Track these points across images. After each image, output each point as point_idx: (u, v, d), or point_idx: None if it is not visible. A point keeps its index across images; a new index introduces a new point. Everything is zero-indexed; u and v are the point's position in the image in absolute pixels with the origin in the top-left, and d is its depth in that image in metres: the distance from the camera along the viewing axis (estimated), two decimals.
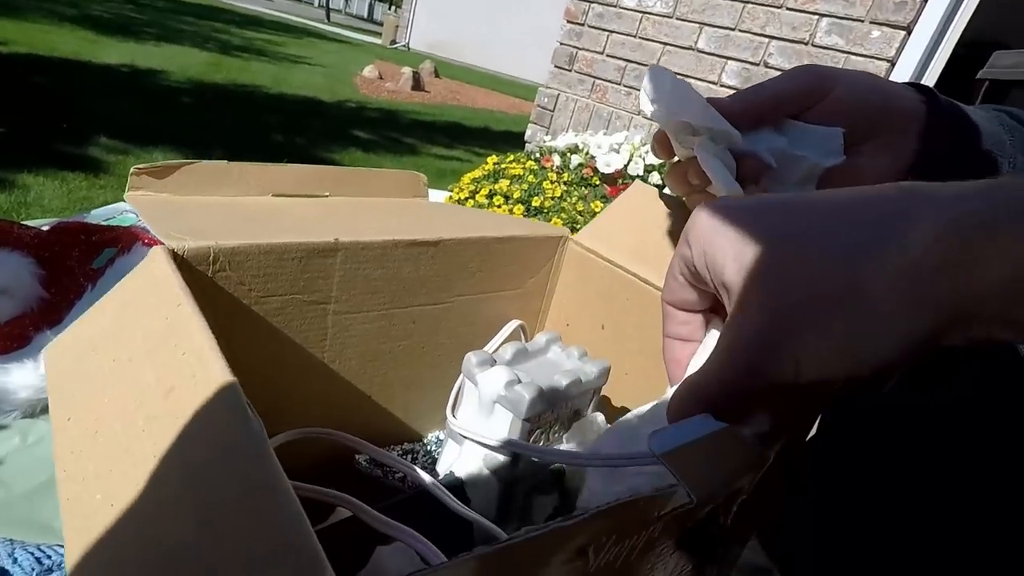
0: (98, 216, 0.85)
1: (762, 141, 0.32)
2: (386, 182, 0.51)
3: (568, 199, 1.45)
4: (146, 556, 0.18)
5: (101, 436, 0.23)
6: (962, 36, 1.79)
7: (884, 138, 0.33)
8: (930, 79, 1.59)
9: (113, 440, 0.22)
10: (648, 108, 0.32)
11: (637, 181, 0.43)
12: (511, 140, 2.31)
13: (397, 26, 15.07)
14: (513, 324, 0.43)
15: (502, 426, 0.32)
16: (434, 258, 0.39)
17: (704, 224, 0.22)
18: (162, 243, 0.30)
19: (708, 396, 0.20)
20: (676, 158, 0.35)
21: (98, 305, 0.29)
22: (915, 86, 0.35)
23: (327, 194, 0.47)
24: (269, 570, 0.15)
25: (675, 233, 0.42)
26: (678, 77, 0.32)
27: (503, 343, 0.41)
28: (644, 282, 0.40)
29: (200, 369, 0.21)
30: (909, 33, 1.56)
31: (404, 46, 14.75)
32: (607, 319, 0.44)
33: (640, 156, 1.59)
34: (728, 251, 0.21)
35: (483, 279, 0.43)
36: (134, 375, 0.23)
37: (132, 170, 0.38)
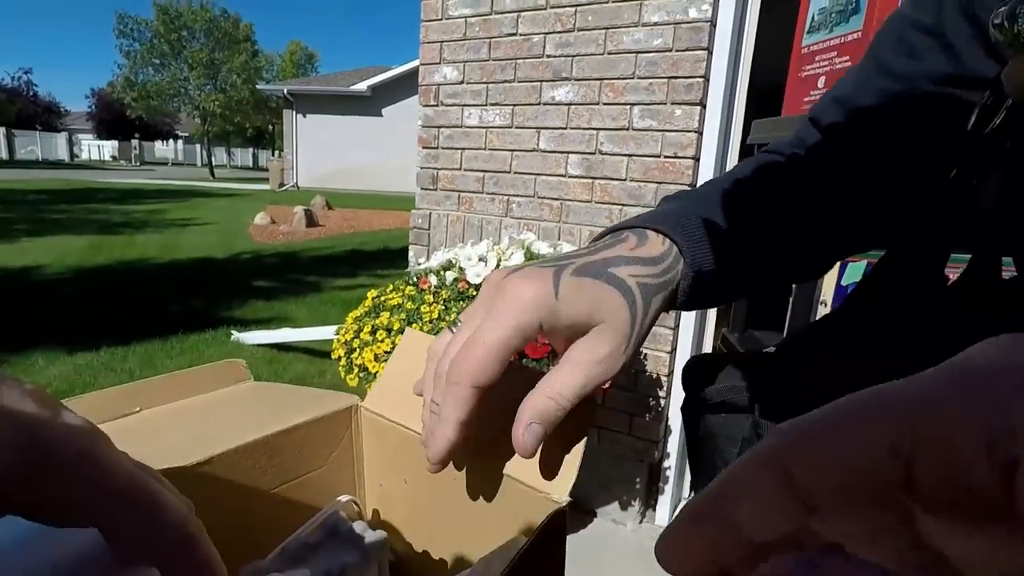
0: None
1: None
2: (204, 378, 0.54)
3: (447, 317, 1.52)
4: None
5: None
6: (759, 91, 2.09)
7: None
8: (733, 145, 1.84)
9: None
10: None
11: (408, 330, 0.48)
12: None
13: (283, 169, 15.44)
14: (322, 515, 0.45)
15: None
16: (213, 476, 0.41)
17: None
18: None
19: None
20: None
21: None
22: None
23: (138, 409, 0.50)
24: None
25: None
26: None
27: (312, 529, 0.44)
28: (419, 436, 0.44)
29: None
30: (704, 108, 1.80)
31: (293, 186, 15.04)
32: (407, 474, 0.47)
33: (506, 259, 1.69)
34: None
35: (280, 472, 0.45)
36: None
37: None
